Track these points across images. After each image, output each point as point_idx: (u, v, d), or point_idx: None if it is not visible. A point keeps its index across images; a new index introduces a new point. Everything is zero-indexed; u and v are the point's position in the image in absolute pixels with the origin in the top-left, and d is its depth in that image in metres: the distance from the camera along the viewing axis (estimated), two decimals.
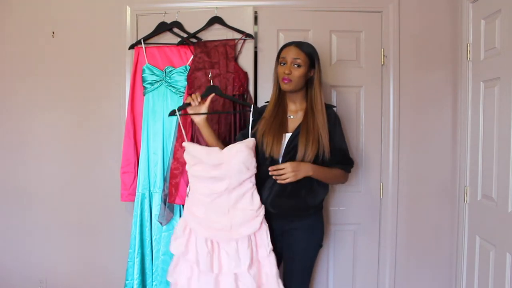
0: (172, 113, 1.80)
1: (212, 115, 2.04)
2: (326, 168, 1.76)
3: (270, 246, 1.74)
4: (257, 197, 1.75)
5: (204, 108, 1.82)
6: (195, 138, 2.05)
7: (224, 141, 1.97)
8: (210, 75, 2.04)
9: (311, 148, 1.70)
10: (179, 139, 2.08)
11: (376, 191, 2.30)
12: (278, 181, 1.69)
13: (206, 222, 1.74)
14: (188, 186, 1.86)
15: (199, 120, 1.82)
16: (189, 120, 2.00)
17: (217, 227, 1.72)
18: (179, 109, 1.83)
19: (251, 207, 1.73)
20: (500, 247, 1.83)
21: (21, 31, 2.39)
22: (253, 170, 1.73)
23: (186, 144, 1.81)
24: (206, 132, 1.84)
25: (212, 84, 1.95)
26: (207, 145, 1.86)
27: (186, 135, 1.95)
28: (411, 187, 2.29)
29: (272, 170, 1.69)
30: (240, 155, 1.69)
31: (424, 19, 2.27)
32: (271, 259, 1.75)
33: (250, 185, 1.75)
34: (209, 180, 1.75)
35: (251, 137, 1.79)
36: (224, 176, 1.72)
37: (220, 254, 1.74)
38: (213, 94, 1.84)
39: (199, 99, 1.80)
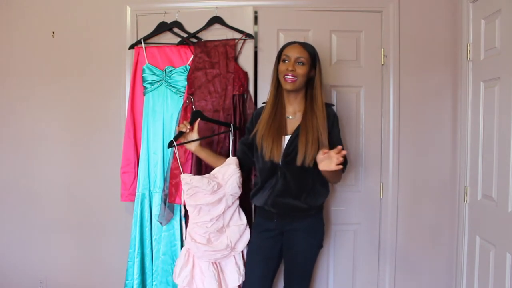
0: (170, 145, 1.82)
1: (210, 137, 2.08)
2: None
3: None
4: (242, 213, 1.90)
5: (195, 134, 1.86)
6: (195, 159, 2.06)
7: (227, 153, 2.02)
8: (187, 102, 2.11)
9: (312, 148, 1.68)
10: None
11: (376, 191, 2.30)
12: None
13: (209, 247, 1.80)
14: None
15: (194, 148, 1.86)
16: (184, 148, 2.01)
17: (219, 248, 1.81)
18: (175, 138, 1.83)
19: (241, 222, 1.89)
20: (500, 247, 1.83)
21: (21, 31, 2.39)
22: (241, 188, 1.84)
23: (184, 176, 1.80)
24: (203, 155, 1.89)
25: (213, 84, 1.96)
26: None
27: (187, 160, 2.06)
28: (411, 187, 2.29)
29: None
30: (234, 177, 1.80)
31: (424, 19, 2.27)
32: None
33: (237, 202, 1.88)
34: (208, 206, 1.80)
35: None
36: (221, 199, 1.80)
37: (224, 273, 1.87)
38: (199, 120, 1.88)
39: (189, 127, 1.83)
